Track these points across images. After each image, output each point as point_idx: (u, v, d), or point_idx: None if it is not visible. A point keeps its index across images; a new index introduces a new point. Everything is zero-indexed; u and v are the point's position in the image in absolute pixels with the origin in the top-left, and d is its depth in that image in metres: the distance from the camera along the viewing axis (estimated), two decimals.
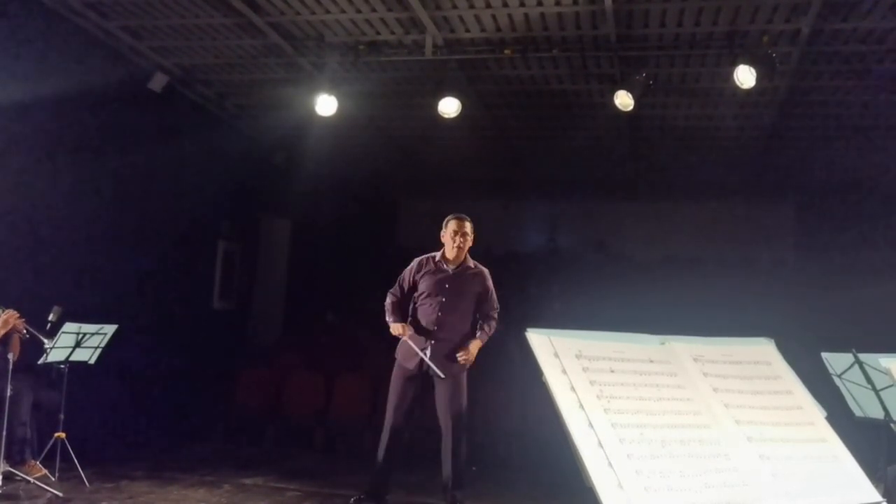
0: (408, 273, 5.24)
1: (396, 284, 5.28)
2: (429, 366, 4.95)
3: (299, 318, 10.60)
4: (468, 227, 5.14)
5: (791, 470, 2.65)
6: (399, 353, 5.16)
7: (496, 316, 5.20)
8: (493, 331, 5.16)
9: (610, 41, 6.68)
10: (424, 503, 5.40)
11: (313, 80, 7.43)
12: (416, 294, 5.19)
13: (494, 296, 5.24)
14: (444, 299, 5.05)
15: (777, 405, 2.89)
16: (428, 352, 4.94)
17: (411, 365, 5.04)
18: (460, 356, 4.97)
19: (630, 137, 9.49)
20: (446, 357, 4.98)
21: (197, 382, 8.13)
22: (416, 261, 5.27)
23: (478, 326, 5.16)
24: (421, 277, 5.17)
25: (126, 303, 7.20)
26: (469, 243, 5.14)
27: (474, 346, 5.03)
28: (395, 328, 5.06)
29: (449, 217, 5.19)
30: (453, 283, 5.10)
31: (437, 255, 5.20)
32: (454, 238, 5.09)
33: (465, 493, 5.09)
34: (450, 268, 5.13)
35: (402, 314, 5.18)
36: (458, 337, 5.06)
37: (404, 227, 12.86)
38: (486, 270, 5.24)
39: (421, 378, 5.06)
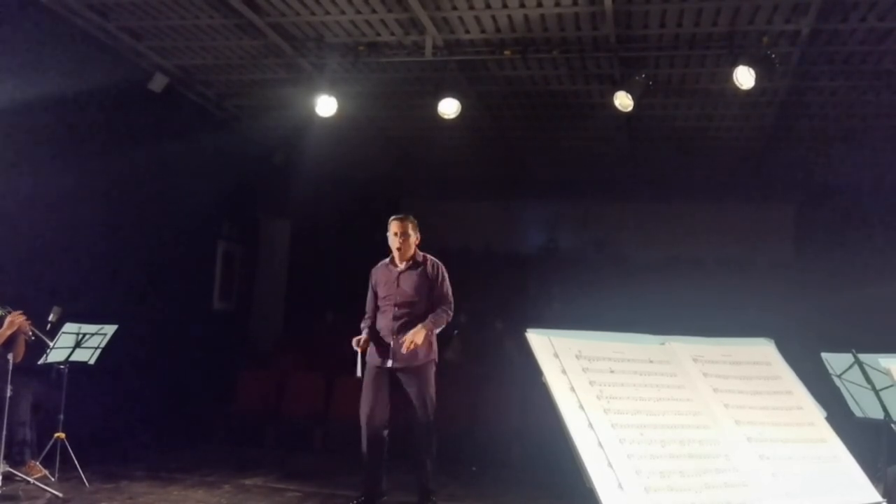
0: (370, 288, 5.31)
1: (367, 305, 5.30)
2: (393, 361, 5.01)
3: (299, 318, 10.59)
4: (408, 227, 5.19)
5: (791, 470, 2.65)
6: (368, 352, 5.20)
7: (447, 310, 5.15)
8: (442, 322, 5.12)
9: (610, 42, 6.68)
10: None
11: (313, 81, 7.43)
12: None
13: (446, 289, 5.21)
14: (398, 298, 5.13)
15: (777, 405, 2.88)
16: (389, 359, 5.04)
17: (377, 361, 5.10)
18: (403, 341, 4.91)
19: (630, 138, 9.49)
20: (409, 354, 4.99)
21: (197, 383, 8.13)
22: (371, 272, 5.34)
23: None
24: (377, 283, 5.26)
25: (126, 303, 7.20)
26: (411, 242, 5.19)
27: (417, 334, 4.93)
28: (355, 340, 5.04)
29: (391, 218, 5.26)
30: (404, 280, 5.17)
31: (388, 259, 5.30)
32: (393, 240, 5.19)
33: (437, 486, 5.13)
34: (399, 267, 5.21)
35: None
36: None
37: None
38: (438, 263, 5.27)
39: (389, 373, 5.08)
